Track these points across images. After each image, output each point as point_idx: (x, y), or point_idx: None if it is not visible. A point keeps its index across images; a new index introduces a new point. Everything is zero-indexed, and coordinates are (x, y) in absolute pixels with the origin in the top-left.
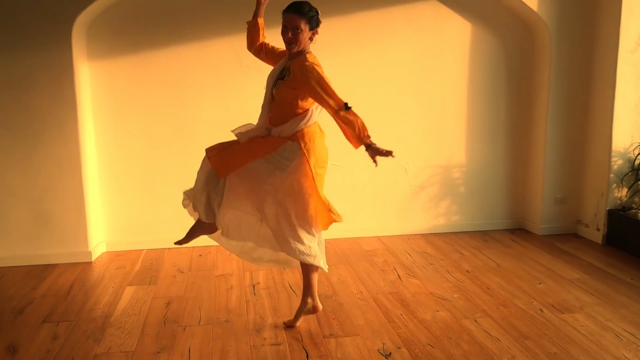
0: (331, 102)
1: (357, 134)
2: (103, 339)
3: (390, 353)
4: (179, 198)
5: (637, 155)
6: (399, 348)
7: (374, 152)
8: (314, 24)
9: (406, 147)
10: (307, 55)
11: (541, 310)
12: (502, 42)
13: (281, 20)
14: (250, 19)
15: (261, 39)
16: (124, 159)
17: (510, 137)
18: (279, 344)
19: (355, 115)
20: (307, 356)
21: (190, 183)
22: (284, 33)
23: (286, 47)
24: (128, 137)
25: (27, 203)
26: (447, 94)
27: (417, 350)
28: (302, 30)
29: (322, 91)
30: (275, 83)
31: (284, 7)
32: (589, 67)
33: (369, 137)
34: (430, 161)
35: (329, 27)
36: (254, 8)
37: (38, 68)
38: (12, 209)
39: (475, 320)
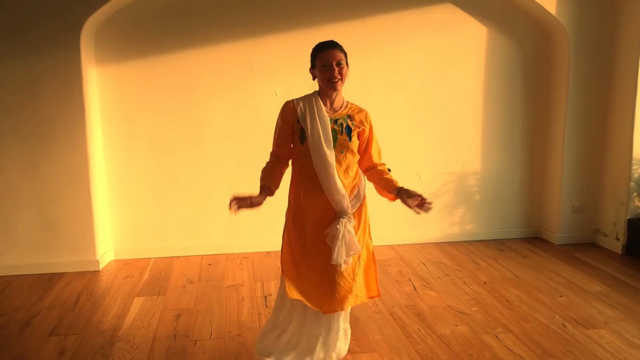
0: (380, 155)
1: (393, 184)
2: (111, 353)
3: None
4: (188, 205)
5: None
6: None
7: (407, 194)
8: (347, 61)
9: (420, 153)
10: (355, 104)
11: (564, 326)
12: (519, 47)
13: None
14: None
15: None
16: (132, 166)
17: (526, 144)
18: None
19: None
20: None
21: (198, 189)
22: (326, 71)
23: (329, 86)
24: (137, 143)
25: (34, 210)
26: (462, 100)
27: None
28: (344, 65)
29: (376, 143)
30: (337, 140)
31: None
32: (608, 73)
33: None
34: (444, 168)
35: (342, 32)
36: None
37: (46, 73)
38: (19, 217)
39: (496, 336)
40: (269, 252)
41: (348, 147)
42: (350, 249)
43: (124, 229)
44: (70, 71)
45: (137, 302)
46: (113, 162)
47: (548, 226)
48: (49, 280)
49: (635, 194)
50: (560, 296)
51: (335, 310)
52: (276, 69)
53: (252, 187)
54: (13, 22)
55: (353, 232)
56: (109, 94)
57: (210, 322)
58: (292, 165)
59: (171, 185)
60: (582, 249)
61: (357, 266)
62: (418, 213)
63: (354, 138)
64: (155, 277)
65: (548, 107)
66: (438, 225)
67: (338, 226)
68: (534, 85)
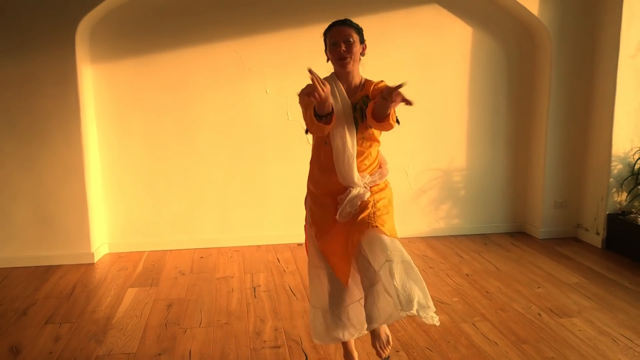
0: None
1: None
2: (105, 340)
3: (388, 357)
4: (181, 200)
5: (637, 159)
6: (398, 352)
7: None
8: (362, 37)
9: (407, 150)
10: (372, 80)
11: (539, 315)
12: (503, 47)
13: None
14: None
15: None
16: (126, 161)
17: (510, 141)
18: (279, 347)
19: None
20: (306, 359)
21: (191, 185)
22: (334, 50)
23: (338, 65)
24: (130, 139)
25: (30, 205)
26: (448, 98)
27: (416, 354)
28: (354, 41)
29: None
30: (358, 127)
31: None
32: (589, 72)
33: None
34: (431, 164)
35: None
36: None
37: (42, 71)
38: (15, 211)
39: (474, 324)
40: (259, 246)
41: (370, 134)
42: (355, 202)
43: (118, 223)
44: (65, 69)
45: (131, 293)
46: (108, 158)
47: (531, 221)
48: (45, 272)
49: (615, 189)
50: (539, 287)
51: (357, 239)
52: (266, 67)
53: (244, 182)
54: (10, 21)
55: (363, 194)
56: (104, 91)
57: (200, 311)
58: (312, 152)
59: (164, 180)
60: (564, 243)
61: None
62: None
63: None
64: (149, 269)
65: (531, 106)
66: (424, 220)
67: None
68: (517, 84)
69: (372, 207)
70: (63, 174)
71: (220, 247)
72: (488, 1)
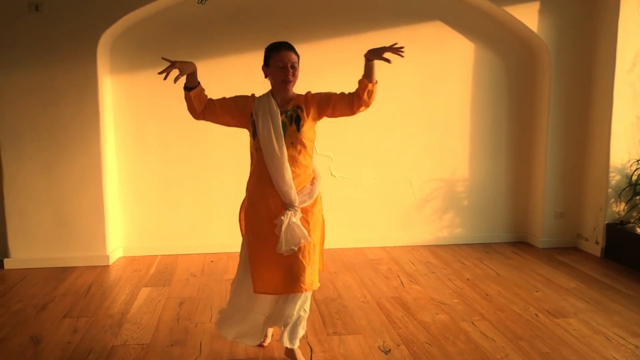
0: (344, 95)
1: (367, 88)
2: (120, 332)
3: (389, 350)
4: (193, 206)
5: (634, 170)
6: (399, 346)
7: (372, 55)
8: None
9: (411, 160)
10: (300, 94)
11: (536, 315)
12: (504, 62)
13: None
14: (189, 87)
15: (205, 100)
16: (142, 168)
17: (511, 153)
18: None
19: (358, 90)
20: (312, 351)
21: (203, 192)
22: (280, 72)
23: (281, 86)
24: (146, 147)
25: (49, 208)
26: (451, 112)
27: (416, 348)
28: (297, 67)
29: (333, 94)
30: (286, 131)
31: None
32: (587, 86)
33: (371, 81)
34: (434, 175)
35: (339, 46)
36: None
37: (64, 80)
38: (35, 214)
39: (473, 323)
40: None
41: (297, 138)
42: (295, 239)
43: (132, 227)
44: (86, 79)
45: (144, 292)
46: (124, 165)
47: (533, 231)
48: (62, 272)
49: (613, 200)
50: (537, 291)
51: (276, 293)
52: None
53: None
54: (37, 33)
55: (299, 223)
56: (122, 100)
57: (210, 308)
58: (251, 161)
59: (178, 187)
60: (564, 252)
61: (308, 255)
62: (389, 61)
63: (305, 128)
64: (161, 271)
65: (532, 118)
66: (428, 229)
67: (282, 217)
68: (518, 98)
69: (306, 255)
70: (81, 179)
71: (230, 252)
72: (489, 18)
